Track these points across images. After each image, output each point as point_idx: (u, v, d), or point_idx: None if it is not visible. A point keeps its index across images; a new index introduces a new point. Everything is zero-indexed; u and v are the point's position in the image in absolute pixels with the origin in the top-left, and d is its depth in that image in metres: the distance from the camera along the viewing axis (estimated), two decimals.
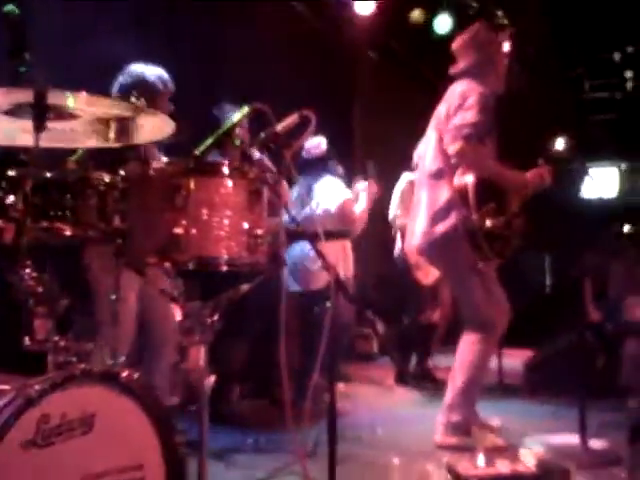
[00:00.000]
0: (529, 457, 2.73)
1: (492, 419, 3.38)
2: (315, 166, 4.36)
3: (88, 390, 1.50)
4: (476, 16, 6.24)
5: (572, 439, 3.07)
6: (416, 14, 6.12)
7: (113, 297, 2.21)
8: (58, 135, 1.83)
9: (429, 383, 4.88)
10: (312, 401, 2.24)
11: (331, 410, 2.10)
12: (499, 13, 5.65)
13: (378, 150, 6.68)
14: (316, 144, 4.42)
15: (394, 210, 5.14)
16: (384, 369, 5.89)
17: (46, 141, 1.65)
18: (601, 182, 6.30)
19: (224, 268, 1.76)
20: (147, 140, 1.96)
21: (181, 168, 1.76)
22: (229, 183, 1.75)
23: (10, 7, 1.72)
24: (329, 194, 4.30)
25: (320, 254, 2.08)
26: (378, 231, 5.89)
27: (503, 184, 3.21)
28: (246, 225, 1.76)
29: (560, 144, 5.91)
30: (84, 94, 1.67)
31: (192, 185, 1.73)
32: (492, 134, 3.22)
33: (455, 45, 3.40)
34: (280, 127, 1.91)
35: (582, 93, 6.30)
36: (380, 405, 4.44)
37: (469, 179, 3.12)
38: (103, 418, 1.51)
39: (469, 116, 3.08)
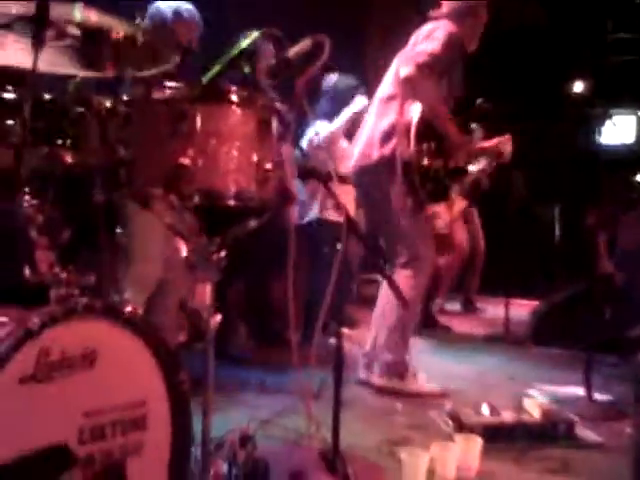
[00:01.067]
0: (533, 407, 2.71)
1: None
2: (330, 101, 4.24)
3: (90, 325, 1.44)
4: None
5: (578, 391, 3.05)
6: None
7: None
8: (55, 58, 1.73)
9: (433, 329, 4.87)
10: (318, 343, 2.20)
11: (338, 353, 2.06)
12: None
13: None
14: (329, 78, 4.30)
15: None
16: None
17: (43, 64, 1.55)
18: (618, 129, 6.12)
19: (232, 202, 1.67)
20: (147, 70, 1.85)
21: (187, 94, 1.66)
22: (237, 111, 1.65)
23: None
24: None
25: (332, 193, 2.00)
26: None
27: (441, 131, 3.11)
28: (255, 157, 1.67)
29: (579, 87, 5.73)
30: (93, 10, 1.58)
31: (199, 112, 1.63)
32: (451, 79, 3.14)
33: None
34: (292, 53, 1.80)
35: (604, 33, 6.06)
36: None
37: (415, 111, 3.06)
38: (106, 354, 1.46)
39: (430, 47, 3.00)
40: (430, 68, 2.96)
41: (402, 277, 3.10)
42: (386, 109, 3.18)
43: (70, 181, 1.80)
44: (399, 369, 3.15)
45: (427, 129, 3.06)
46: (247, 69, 2.00)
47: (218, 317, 1.83)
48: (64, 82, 1.93)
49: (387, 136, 3.10)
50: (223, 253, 1.80)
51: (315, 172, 2.10)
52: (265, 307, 4.13)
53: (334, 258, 1.87)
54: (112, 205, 2.38)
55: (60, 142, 1.72)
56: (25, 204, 1.53)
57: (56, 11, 1.52)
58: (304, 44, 1.81)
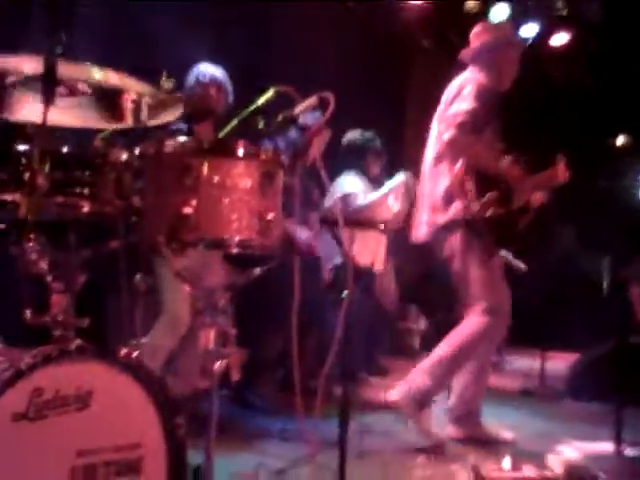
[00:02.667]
0: (557, 463, 2.63)
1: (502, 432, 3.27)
2: (346, 157, 4.31)
3: (85, 366, 1.49)
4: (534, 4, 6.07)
5: (607, 446, 2.95)
6: (471, 4, 5.98)
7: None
8: (69, 111, 1.84)
9: None
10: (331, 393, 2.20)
11: (344, 403, 2.06)
12: (559, 2, 5.45)
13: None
14: (350, 133, 4.37)
15: None
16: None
17: (57, 116, 1.66)
18: None
19: (234, 250, 1.73)
20: (165, 120, 1.94)
21: (194, 148, 1.74)
22: (241, 164, 1.72)
23: None
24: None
25: (338, 240, 2.04)
26: None
27: (495, 178, 3.15)
28: (257, 208, 1.73)
29: (621, 140, 5.66)
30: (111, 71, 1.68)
31: (204, 165, 1.70)
32: (492, 126, 3.18)
33: (473, 31, 3.38)
34: (298, 109, 1.86)
35: None
36: None
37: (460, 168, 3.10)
38: (101, 395, 1.51)
39: (464, 105, 3.05)
40: (470, 125, 3.02)
41: (476, 323, 3.12)
42: (438, 172, 3.23)
43: (87, 228, 1.89)
44: (420, 399, 3.13)
45: (483, 181, 3.10)
46: (262, 125, 2.08)
47: (223, 362, 1.86)
48: (86, 135, 2.04)
49: (448, 198, 3.16)
50: (228, 299, 1.85)
51: (327, 220, 2.15)
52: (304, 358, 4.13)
53: (361, 303, 1.90)
54: (133, 251, 2.49)
55: (78, 191, 1.82)
56: (28, 250, 1.60)
57: (70, 70, 1.62)
58: (310, 101, 1.88)
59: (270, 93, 2.08)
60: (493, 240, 3.11)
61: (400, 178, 4.34)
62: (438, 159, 3.23)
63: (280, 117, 1.88)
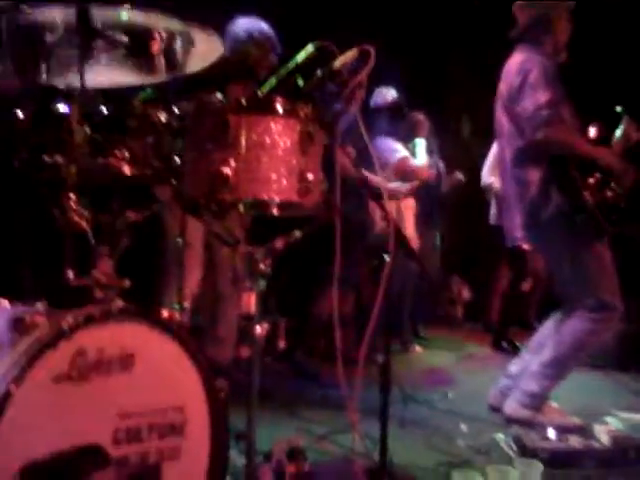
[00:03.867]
0: (603, 433, 2.56)
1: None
2: (377, 117, 4.21)
3: (128, 328, 1.48)
4: None
5: None
6: None
7: (179, 240, 2.25)
8: (106, 71, 1.80)
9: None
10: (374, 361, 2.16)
11: (385, 372, 2.03)
12: None
13: (472, 109, 6.43)
14: (379, 92, 4.27)
15: (487, 176, 4.93)
16: (465, 334, 5.76)
17: (95, 78, 1.63)
18: None
19: (274, 211, 1.69)
20: (198, 67, 1.89)
21: (233, 105, 1.69)
22: (280, 122, 1.67)
23: None
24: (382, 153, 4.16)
25: (381, 206, 1.99)
26: (468, 195, 5.69)
27: (592, 158, 2.91)
28: (297, 167, 1.68)
29: None
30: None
31: (242, 123, 1.66)
32: (566, 103, 2.93)
33: (515, 5, 3.12)
34: (338, 63, 1.80)
35: None
36: (456, 370, 4.30)
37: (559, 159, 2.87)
38: (144, 357, 1.49)
39: (540, 96, 2.80)
40: (557, 115, 2.82)
41: (582, 320, 2.94)
42: (523, 170, 2.98)
43: (129, 191, 1.87)
44: (538, 402, 2.98)
45: (585, 166, 2.90)
46: (301, 82, 2.02)
47: (265, 326, 1.83)
48: (127, 94, 2.01)
49: (544, 196, 2.92)
50: (268, 263, 1.82)
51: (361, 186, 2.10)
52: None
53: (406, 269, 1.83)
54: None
55: (117, 154, 1.79)
56: (68, 209, 1.59)
57: (101, 17, 1.58)
58: (351, 54, 1.81)
59: (309, 49, 2.01)
60: (606, 227, 2.87)
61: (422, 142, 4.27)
62: (521, 158, 2.97)
63: (319, 72, 1.81)
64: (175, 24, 1.69)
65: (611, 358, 4.25)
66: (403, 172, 4.23)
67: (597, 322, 2.93)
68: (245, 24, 3.28)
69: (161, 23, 1.69)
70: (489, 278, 5.65)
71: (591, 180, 2.89)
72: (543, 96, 2.81)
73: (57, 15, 1.56)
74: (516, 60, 3.00)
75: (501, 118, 3.07)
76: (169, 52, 1.74)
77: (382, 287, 1.92)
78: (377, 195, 2.08)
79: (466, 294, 6.38)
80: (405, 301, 4.64)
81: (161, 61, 1.75)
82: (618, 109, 3.25)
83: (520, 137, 2.96)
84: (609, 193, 2.92)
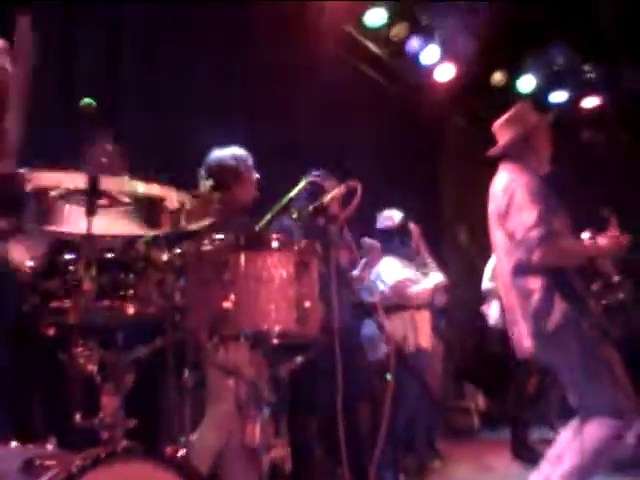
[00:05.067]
0: None
1: None
2: (383, 238, 4.32)
3: (133, 467, 1.50)
4: (561, 75, 6.17)
5: None
6: (497, 77, 6.11)
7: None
8: (111, 221, 1.92)
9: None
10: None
11: None
12: (586, 68, 5.51)
13: (467, 218, 6.58)
14: (388, 216, 4.40)
15: (487, 281, 4.99)
16: (483, 445, 5.62)
17: (99, 226, 1.74)
18: None
19: (274, 341, 1.76)
20: (199, 225, 2.01)
21: (231, 243, 1.80)
22: (276, 255, 1.77)
23: (87, 101, 1.87)
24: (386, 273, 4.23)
25: (380, 325, 2.05)
26: (471, 301, 5.74)
27: (590, 257, 2.96)
28: (294, 297, 1.76)
29: None
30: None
31: (241, 260, 1.76)
32: (558, 211, 2.96)
33: (495, 125, 3.22)
34: (326, 199, 1.92)
35: None
36: None
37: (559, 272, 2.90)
38: None
39: (526, 217, 2.84)
40: (546, 232, 2.82)
41: (601, 426, 2.86)
42: (523, 281, 2.97)
43: (134, 329, 1.94)
44: None
45: (583, 273, 2.91)
46: (295, 215, 2.14)
47: (270, 456, 1.85)
48: (129, 240, 2.12)
49: (547, 306, 2.90)
50: (273, 391, 1.86)
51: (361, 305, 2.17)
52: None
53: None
54: (180, 348, 2.52)
55: (122, 294, 1.88)
56: (76, 355, 1.66)
57: (110, 183, 1.71)
58: (338, 190, 1.94)
59: (302, 184, 2.15)
60: (613, 332, 2.87)
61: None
62: (520, 268, 2.96)
63: (310, 208, 1.94)
64: (185, 196, 1.80)
65: (632, 459, 4.12)
66: (399, 295, 4.26)
67: (615, 428, 2.88)
68: (232, 152, 3.07)
69: (173, 195, 1.81)
70: (501, 383, 5.57)
71: (594, 287, 2.91)
72: (530, 216, 2.83)
73: (65, 178, 1.69)
74: (501, 181, 3.06)
75: (496, 233, 3.11)
76: (176, 215, 1.85)
77: (387, 406, 1.95)
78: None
79: (481, 403, 6.27)
80: (419, 417, 4.56)
81: (167, 219, 1.86)
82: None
83: (517, 250, 2.97)
84: (612, 298, 2.94)
